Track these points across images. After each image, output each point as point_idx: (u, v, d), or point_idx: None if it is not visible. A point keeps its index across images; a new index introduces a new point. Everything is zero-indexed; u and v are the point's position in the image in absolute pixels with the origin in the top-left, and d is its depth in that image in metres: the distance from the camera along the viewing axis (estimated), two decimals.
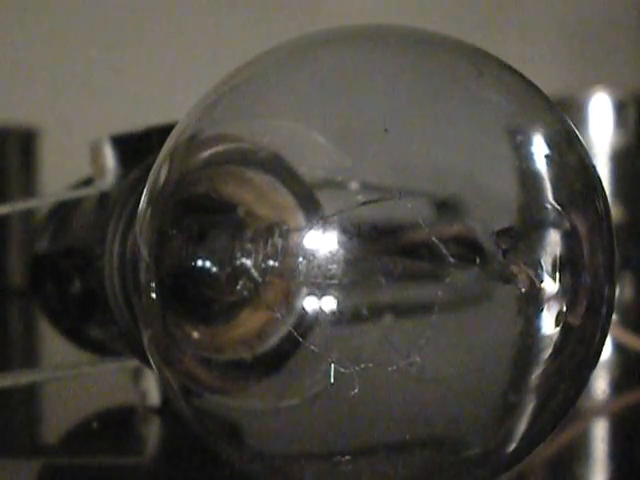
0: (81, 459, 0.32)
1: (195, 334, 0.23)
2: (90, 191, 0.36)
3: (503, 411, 0.23)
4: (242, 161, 0.24)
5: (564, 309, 0.22)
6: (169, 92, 0.89)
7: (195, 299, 0.23)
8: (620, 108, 0.60)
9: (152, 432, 0.37)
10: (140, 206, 0.25)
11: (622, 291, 0.56)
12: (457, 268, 0.22)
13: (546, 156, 0.23)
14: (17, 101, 0.93)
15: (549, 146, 0.23)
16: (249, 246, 0.22)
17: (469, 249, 0.22)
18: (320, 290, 0.21)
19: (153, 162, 0.25)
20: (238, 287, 0.22)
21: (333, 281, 0.21)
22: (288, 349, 0.22)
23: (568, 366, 0.23)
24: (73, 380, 0.39)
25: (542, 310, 0.22)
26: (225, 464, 0.25)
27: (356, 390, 0.22)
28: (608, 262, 0.23)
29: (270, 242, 0.22)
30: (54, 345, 0.48)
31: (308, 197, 0.22)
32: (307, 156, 0.23)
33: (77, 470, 0.31)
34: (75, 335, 0.40)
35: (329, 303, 0.22)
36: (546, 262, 0.22)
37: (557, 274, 0.22)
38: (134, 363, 0.34)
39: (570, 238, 0.23)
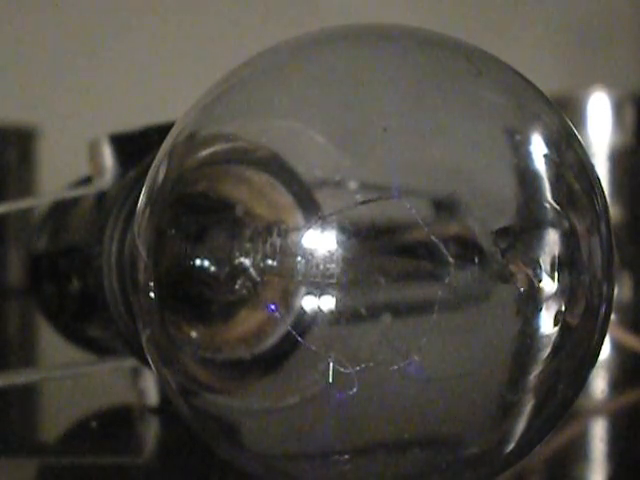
0: (80, 459, 0.32)
1: (193, 333, 0.23)
2: (88, 190, 0.36)
3: (501, 411, 0.23)
4: (240, 160, 0.24)
5: (563, 308, 0.22)
6: (167, 91, 0.89)
7: (193, 298, 0.23)
8: (618, 107, 0.60)
9: (150, 432, 0.37)
10: (138, 205, 0.25)
11: (620, 290, 0.56)
12: (456, 268, 0.22)
13: (545, 155, 0.23)
14: (15, 100, 0.93)
15: (548, 145, 0.23)
16: (247, 245, 0.22)
17: (468, 248, 0.22)
18: (319, 289, 0.21)
19: (151, 161, 0.25)
20: (237, 286, 0.22)
21: (332, 280, 0.21)
22: (287, 348, 0.22)
23: (567, 366, 0.23)
24: (71, 380, 0.39)
25: (541, 309, 0.22)
26: (224, 464, 0.25)
27: (355, 389, 0.22)
28: (606, 261, 0.23)
29: (269, 241, 0.22)
30: (52, 345, 0.48)
31: (306, 196, 0.22)
32: (305, 155, 0.23)
33: (76, 470, 0.31)
34: (73, 334, 0.40)
35: (328, 302, 0.21)
36: (545, 261, 0.22)
37: (556, 273, 0.22)
38: (132, 363, 0.34)
39: (569, 237, 0.23)
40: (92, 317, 0.36)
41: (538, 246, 0.22)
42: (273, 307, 0.22)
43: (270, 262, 0.22)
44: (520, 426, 0.23)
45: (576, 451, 0.34)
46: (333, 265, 0.21)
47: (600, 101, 0.60)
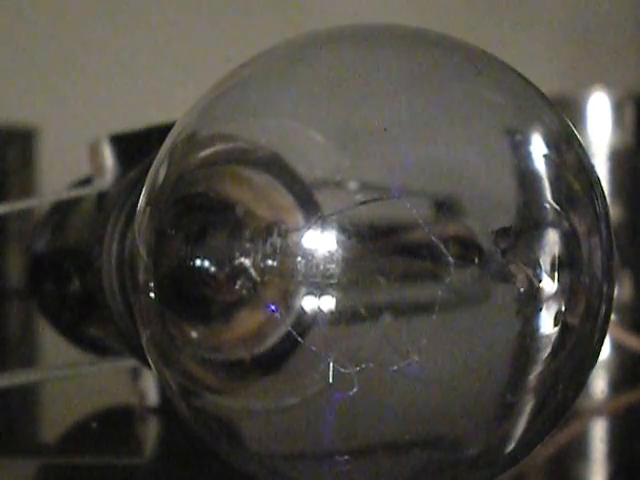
0: (80, 459, 0.32)
1: (194, 334, 0.23)
2: (89, 191, 0.36)
3: (502, 411, 0.23)
4: (241, 160, 0.24)
5: (563, 309, 0.22)
6: (168, 91, 0.89)
7: (194, 299, 0.23)
8: (618, 108, 0.60)
9: (150, 432, 0.37)
10: (139, 206, 0.25)
11: (620, 290, 0.56)
12: (456, 268, 0.22)
13: (545, 156, 0.23)
14: (16, 100, 0.93)
15: (548, 146, 0.23)
16: (248, 246, 0.22)
17: (468, 248, 0.22)
18: (319, 290, 0.21)
19: (151, 161, 0.25)
20: (237, 287, 0.22)
21: (332, 281, 0.21)
22: (287, 349, 0.22)
23: (567, 366, 0.23)
24: (72, 380, 0.39)
25: (541, 310, 0.22)
26: (224, 464, 0.25)
27: (355, 390, 0.22)
28: (607, 261, 0.23)
29: (269, 242, 0.22)
30: (53, 345, 0.48)
31: (307, 196, 0.22)
32: (306, 155, 0.23)
33: (76, 470, 0.31)
34: (74, 335, 0.40)
35: (328, 303, 0.21)
36: (545, 262, 0.22)
37: (556, 274, 0.22)
38: (133, 363, 0.34)
39: (569, 238, 0.23)
40: (92, 317, 0.36)
41: (538, 246, 0.22)
42: (273, 307, 0.22)
43: (270, 262, 0.22)
44: (520, 426, 0.23)
45: (576, 451, 0.34)
46: (333, 265, 0.21)
47: (600, 101, 0.60)
